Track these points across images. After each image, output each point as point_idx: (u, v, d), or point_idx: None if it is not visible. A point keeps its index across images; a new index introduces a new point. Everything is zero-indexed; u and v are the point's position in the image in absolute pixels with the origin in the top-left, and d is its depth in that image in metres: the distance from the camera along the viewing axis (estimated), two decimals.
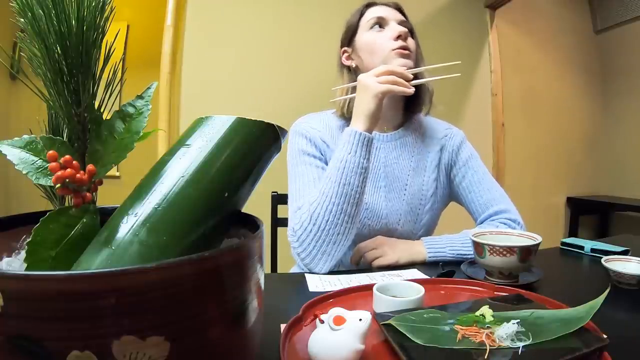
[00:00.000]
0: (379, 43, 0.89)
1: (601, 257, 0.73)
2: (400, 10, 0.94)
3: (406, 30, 0.88)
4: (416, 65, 0.90)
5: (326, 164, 0.91)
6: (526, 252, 0.67)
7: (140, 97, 0.39)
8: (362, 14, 0.94)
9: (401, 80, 0.81)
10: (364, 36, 0.92)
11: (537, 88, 2.55)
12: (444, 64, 0.86)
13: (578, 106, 2.73)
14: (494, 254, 0.68)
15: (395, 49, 0.87)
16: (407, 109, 0.99)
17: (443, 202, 1.01)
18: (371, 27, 0.91)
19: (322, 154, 0.93)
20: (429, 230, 0.99)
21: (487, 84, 2.35)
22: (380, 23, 0.90)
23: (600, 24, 2.72)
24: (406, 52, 0.88)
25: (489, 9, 2.33)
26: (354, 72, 0.96)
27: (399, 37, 0.87)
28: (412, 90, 0.82)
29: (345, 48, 0.97)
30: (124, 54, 2.39)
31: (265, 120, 0.37)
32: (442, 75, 0.87)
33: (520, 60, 2.48)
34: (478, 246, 0.70)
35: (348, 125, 0.84)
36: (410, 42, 0.90)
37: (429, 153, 0.98)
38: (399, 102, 0.96)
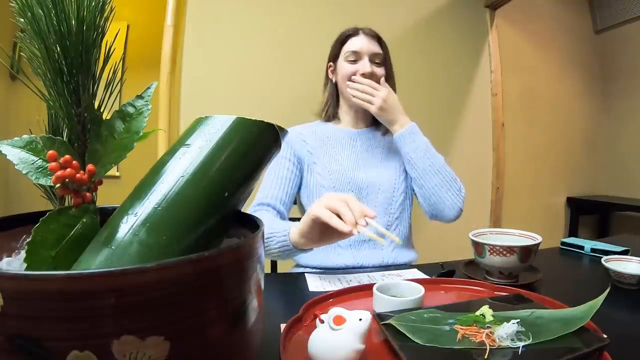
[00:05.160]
0: (348, 76, 1.05)
1: (601, 257, 0.73)
2: (377, 38, 1.07)
3: (370, 71, 1.03)
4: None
5: (298, 162, 1.03)
6: (526, 252, 0.67)
7: (140, 97, 0.39)
8: (343, 43, 1.08)
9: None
10: (341, 64, 1.07)
11: (537, 88, 2.55)
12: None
13: (578, 106, 2.73)
14: (494, 254, 0.68)
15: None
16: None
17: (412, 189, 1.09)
18: (346, 59, 1.06)
19: (295, 153, 1.02)
20: (403, 216, 1.04)
21: (487, 83, 2.35)
22: (355, 57, 1.05)
23: (600, 24, 2.71)
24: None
25: (489, 8, 2.32)
26: (334, 87, 1.12)
27: (363, 75, 1.03)
28: None
29: (331, 63, 1.11)
30: (124, 54, 2.39)
31: (265, 120, 0.37)
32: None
33: (520, 60, 2.48)
34: (478, 246, 0.70)
35: (333, 130, 0.99)
36: (377, 73, 1.05)
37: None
38: None
